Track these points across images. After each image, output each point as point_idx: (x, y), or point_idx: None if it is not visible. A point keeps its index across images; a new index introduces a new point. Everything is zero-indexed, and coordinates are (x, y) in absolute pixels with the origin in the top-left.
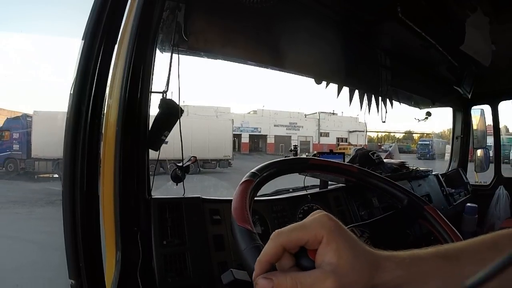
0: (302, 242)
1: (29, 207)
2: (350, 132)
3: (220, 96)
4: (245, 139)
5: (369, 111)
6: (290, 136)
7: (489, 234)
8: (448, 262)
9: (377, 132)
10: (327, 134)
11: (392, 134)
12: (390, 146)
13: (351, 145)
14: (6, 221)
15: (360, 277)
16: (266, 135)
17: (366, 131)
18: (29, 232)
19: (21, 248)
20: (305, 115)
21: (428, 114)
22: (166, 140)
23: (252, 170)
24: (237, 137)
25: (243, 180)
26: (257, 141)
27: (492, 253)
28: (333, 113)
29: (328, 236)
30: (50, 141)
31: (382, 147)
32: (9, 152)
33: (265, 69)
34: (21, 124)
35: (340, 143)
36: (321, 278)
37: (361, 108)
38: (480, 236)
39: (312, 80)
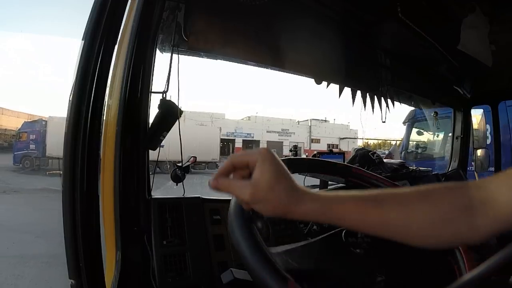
0: (244, 162)
1: (55, 193)
2: (341, 139)
3: (216, 98)
4: (238, 144)
5: (372, 110)
6: (282, 142)
7: (426, 185)
8: (369, 204)
9: (368, 139)
10: (318, 141)
11: (388, 141)
12: (384, 153)
13: (342, 151)
14: (41, 202)
15: (276, 198)
16: (259, 141)
17: (359, 137)
18: None
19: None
20: (298, 122)
21: (436, 114)
22: (162, 141)
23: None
24: (231, 142)
25: None
26: (250, 146)
27: (422, 204)
28: (325, 120)
29: (260, 160)
30: (62, 142)
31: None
32: (26, 151)
33: (264, 70)
34: (38, 127)
35: (332, 149)
36: (244, 186)
37: (365, 108)
38: (415, 187)
39: (308, 86)
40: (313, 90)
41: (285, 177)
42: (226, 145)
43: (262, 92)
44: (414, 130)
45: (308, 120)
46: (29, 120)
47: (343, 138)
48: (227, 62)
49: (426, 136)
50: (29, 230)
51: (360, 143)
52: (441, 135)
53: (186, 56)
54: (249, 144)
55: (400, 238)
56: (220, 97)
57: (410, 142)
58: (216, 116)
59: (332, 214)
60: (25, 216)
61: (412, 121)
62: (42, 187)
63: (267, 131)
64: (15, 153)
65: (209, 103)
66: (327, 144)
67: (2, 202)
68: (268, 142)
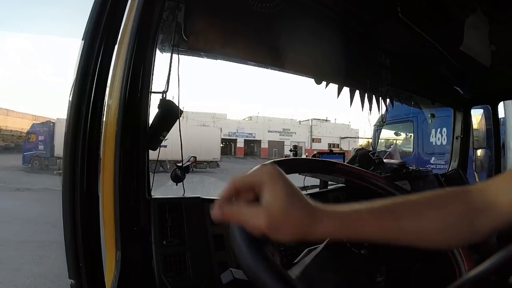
0: (249, 185)
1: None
2: (342, 138)
3: (217, 98)
4: (240, 143)
5: (373, 110)
6: (283, 142)
7: (432, 192)
8: (386, 216)
9: (368, 138)
10: (319, 140)
11: (388, 139)
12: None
13: (343, 150)
14: (52, 197)
15: (294, 221)
16: (260, 140)
17: (359, 136)
18: None
19: None
20: (299, 121)
21: (432, 116)
22: (164, 141)
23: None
24: (233, 141)
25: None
26: (252, 146)
27: (431, 212)
28: (326, 120)
29: (268, 181)
30: None
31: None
32: (35, 152)
33: (264, 70)
34: (46, 128)
35: (332, 149)
36: (256, 213)
37: (363, 108)
38: (424, 193)
39: (309, 86)
40: (314, 90)
41: (298, 197)
42: (228, 145)
43: (263, 92)
44: (383, 132)
45: (309, 119)
46: (34, 122)
47: (344, 138)
48: (227, 62)
49: (393, 137)
50: (45, 221)
51: (361, 142)
52: (405, 136)
53: (186, 56)
54: (251, 143)
55: (413, 244)
56: (221, 97)
57: (380, 141)
58: (218, 117)
59: (351, 230)
60: (39, 210)
61: (381, 124)
62: (49, 185)
63: (269, 131)
64: (25, 153)
65: (210, 103)
66: (328, 143)
67: (17, 198)
68: (269, 141)
